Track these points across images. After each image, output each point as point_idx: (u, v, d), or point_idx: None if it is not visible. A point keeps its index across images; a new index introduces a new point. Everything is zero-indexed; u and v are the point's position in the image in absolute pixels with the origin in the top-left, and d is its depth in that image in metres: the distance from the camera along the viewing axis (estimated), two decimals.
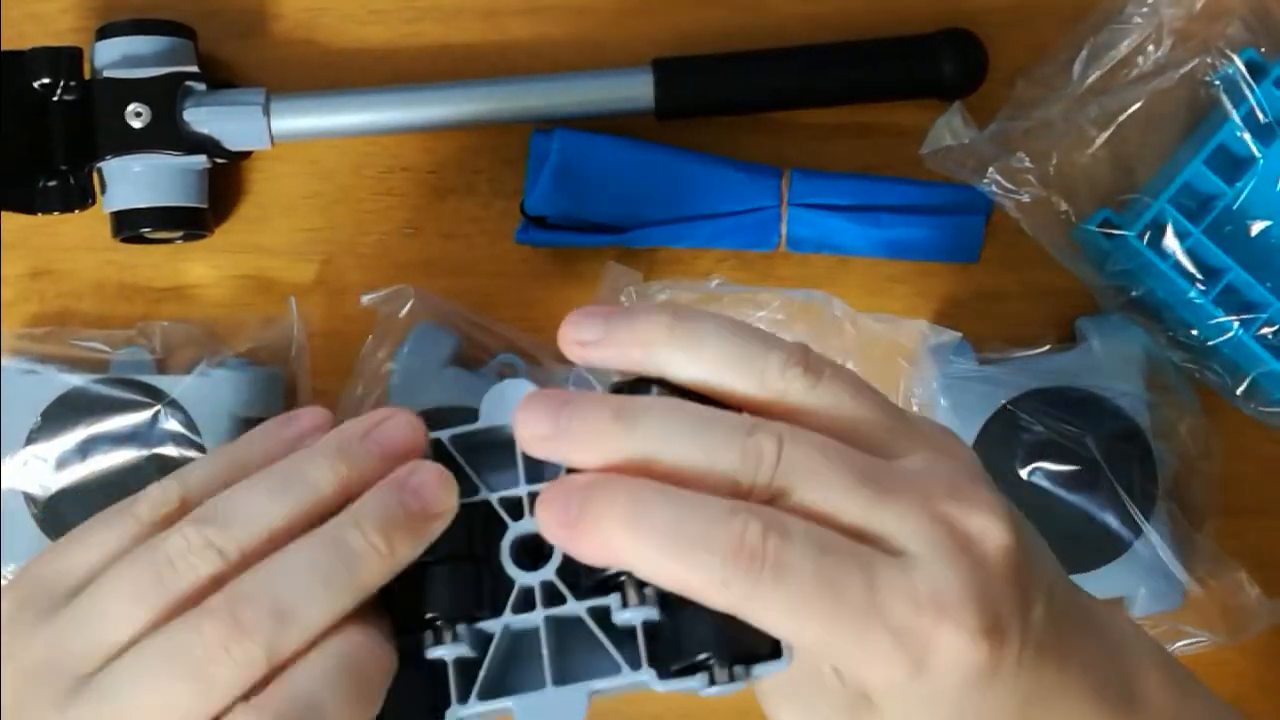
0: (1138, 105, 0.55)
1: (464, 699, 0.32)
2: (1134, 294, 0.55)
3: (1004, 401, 0.54)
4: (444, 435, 0.34)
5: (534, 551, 0.33)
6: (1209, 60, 0.54)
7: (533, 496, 0.32)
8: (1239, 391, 0.54)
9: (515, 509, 0.33)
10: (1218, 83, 0.54)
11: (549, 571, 0.32)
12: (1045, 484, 0.54)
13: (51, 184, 0.56)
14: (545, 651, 0.31)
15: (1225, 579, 0.54)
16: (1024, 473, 0.54)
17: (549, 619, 0.32)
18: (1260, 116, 0.53)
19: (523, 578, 0.32)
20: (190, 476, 0.35)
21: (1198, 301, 0.52)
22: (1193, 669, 0.55)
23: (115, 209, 0.55)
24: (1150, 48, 0.55)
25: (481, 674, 0.32)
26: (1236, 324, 0.52)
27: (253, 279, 0.58)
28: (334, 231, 0.58)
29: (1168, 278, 0.53)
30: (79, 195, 0.56)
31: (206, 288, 0.58)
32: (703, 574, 0.30)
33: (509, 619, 0.32)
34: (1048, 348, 0.55)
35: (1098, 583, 0.54)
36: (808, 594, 0.30)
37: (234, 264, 0.58)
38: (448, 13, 0.58)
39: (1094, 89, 0.55)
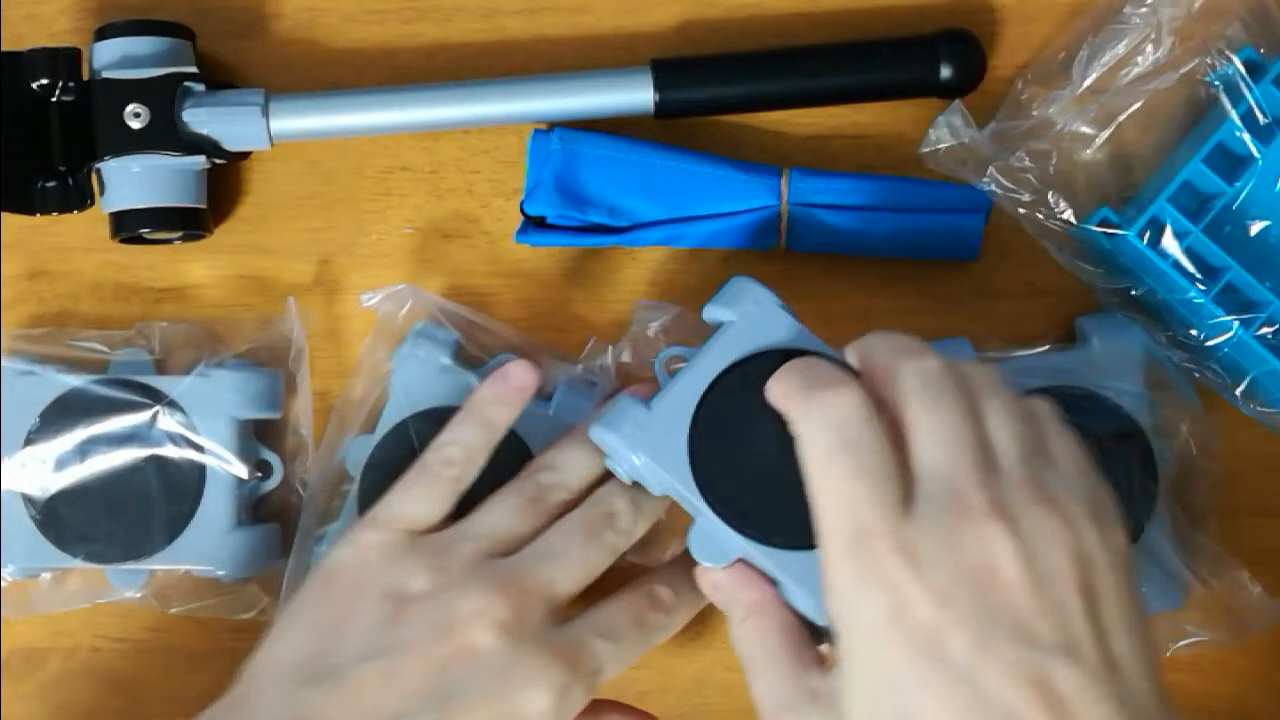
0: (1137, 105, 0.55)
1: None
2: (1134, 293, 0.55)
3: None
4: None
5: None
6: (1208, 60, 0.54)
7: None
8: (1239, 391, 0.54)
9: None
10: (1216, 82, 0.54)
11: None
12: None
13: (50, 185, 0.56)
14: None
15: (1227, 578, 0.54)
16: None
17: None
18: (1259, 116, 0.53)
19: None
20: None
21: (1197, 301, 0.52)
22: (1194, 669, 0.55)
23: (114, 209, 0.55)
24: (1149, 47, 0.55)
25: None
26: (1236, 323, 0.52)
27: (252, 279, 0.58)
28: (333, 232, 0.58)
29: (1167, 277, 0.52)
30: (78, 196, 0.56)
31: (205, 288, 0.58)
32: None
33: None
34: (1047, 347, 0.55)
35: None
36: None
37: (233, 264, 0.58)
38: (447, 13, 0.58)
39: (1093, 88, 0.55)
